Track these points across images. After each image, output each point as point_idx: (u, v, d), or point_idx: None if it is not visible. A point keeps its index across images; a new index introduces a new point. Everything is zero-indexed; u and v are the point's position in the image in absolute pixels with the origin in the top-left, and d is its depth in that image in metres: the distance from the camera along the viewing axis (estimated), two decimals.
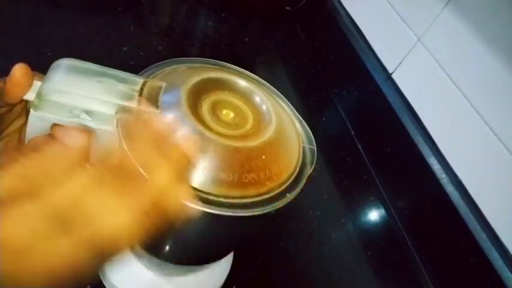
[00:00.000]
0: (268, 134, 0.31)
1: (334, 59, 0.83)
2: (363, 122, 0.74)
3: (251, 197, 0.29)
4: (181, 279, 0.44)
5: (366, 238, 0.60)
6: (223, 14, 0.87)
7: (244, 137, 0.30)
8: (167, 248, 0.36)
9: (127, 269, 0.42)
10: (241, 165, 0.28)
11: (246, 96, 0.34)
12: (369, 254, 0.58)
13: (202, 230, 0.32)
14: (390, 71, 0.68)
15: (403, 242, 0.61)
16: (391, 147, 0.66)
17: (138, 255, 0.42)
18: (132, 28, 0.75)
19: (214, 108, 0.31)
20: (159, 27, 0.79)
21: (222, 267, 0.47)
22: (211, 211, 0.27)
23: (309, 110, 0.77)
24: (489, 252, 0.49)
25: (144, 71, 0.33)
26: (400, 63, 0.66)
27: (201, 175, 0.27)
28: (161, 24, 0.81)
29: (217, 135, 0.29)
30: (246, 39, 0.84)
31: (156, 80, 0.31)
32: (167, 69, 0.34)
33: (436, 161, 0.57)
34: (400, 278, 0.58)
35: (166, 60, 0.35)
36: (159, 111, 0.29)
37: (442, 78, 0.58)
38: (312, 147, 0.36)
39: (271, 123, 0.32)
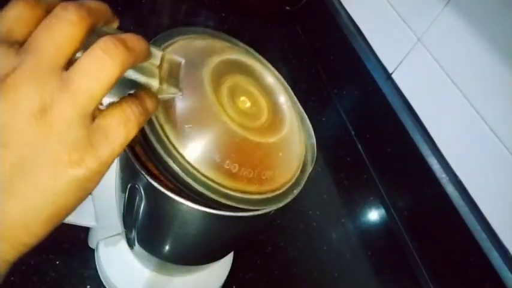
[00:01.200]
0: (284, 129, 0.30)
1: (334, 59, 0.83)
2: (363, 122, 0.74)
3: (266, 192, 0.28)
4: (181, 279, 0.44)
5: (365, 238, 0.60)
6: (223, 14, 0.87)
7: (262, 130, 0.29)
8: (167, 247, 0.36)
9: (127, 268, 0.42)
10: (261, 161, 0.28)
11: (263, 85, 0.32)
12: (369, 254, 0.58)
13: (203, 230, 0.32)
14: (390, 71, 0.68)
15: (403, 242, 0.61)
16: (391, 147, 0.66)
17: (138, 255, 0.42)
18: (132, 28, 0.75)
19: (233, 94, 0.29)
20: (159, 27, 0.79)
21: (222, 267, 0.47)
22: (211, 211, 0.27)
23: (309, 110, 0.77)
24: (489, 252, 0.49)
25: (153, 40, 0.29)
26: (400, 63, 0.66)
27: (222, 169, 0.26)
28: (161, 24, 0.81)
29: (241, 127, 0.27)
30: (246, 39, 0.84)
31: (175, 55, 0.27)
32: (179, 39, 0.31)
33: (436, 161, 0.57)
34: (399, 278, 0.58)
35: (176, 29, 0.32)
36: (181, 93, 0.26)
37: (442, 78, 0.58)
38: (312, 142, 0.35)
39: (286, 117, 0.31)
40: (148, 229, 0.35)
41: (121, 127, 0.20)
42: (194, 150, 0.26)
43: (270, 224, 0.54)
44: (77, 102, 0.18)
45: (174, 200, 0.27)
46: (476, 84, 0.53)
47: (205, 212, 0.27)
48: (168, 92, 0.25)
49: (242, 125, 0.27)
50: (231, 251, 0.46)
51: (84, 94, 0.18)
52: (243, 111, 0.29)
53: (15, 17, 0.18)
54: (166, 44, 0.30)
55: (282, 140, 0.29)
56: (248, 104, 0.29)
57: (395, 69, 0.67)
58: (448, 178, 0.56)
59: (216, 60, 0.29)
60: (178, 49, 0.29)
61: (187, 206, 0.27)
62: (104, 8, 0.21)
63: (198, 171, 0.26)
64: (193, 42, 0.31)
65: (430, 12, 0.60)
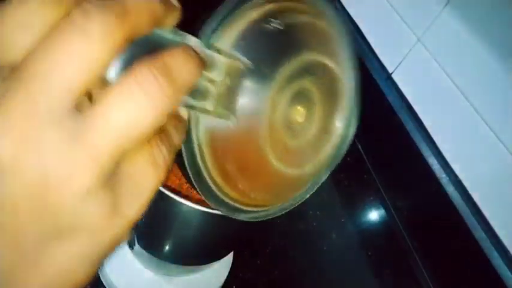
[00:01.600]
0: (326, 151, 0.25)
1: None
2: (363, 122, 0.74)
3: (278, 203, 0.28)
4: (181, 279, 0.44)
5: (365, 238, 0.60)
6: None
7: (301, 153, 0.25)
8: (167, 247, 0.36)
9: (127, 269, 0.42)
10: (289, 190, 0.26)
11: (329, 91, 0.25)
12: (369, 254, 0.58)
13: (202, 230, 0.32)
14: (390, 71, 0.68)
15: (403, 242, 0.61)
16: (391, 147, 0.66)
17: (138, 255, 0.42)
18: None
19: (289, 103, 0.24)
20: None
21: (222, 267, 0.47)
22: (210, 211, 0.27)
23: None
24: (489, 252, 0.49)
25: (206, 28, 0.21)
26: (400, 63, 0.66)
27: (247, 197, 0.25)
28: None
29: (282, 161, 0.24)
30: None
31: (238, 60, 0.19)
32: (240, 14, 0.22)
33: (436, 161, 0.57)
34: (399, 278, 0.58)
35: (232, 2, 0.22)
36: (236, 122, 0.20)
37: (442, 78, 0.58)
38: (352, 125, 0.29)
39: (334, 134, 0.26)
40: (148, 229, 0.35)
41: (150, 172, 0.14)
42: (227, 180, 0.24)
43: (270, 224, 0.54)
44: (98, 165, 0.12)
45: (174, 200, 0.27)
46: (477, 84, 0.53)
47: (205, 211, 0.27)
48: (221, 116, 0.19)
49: (282, 155, 0.24)
50: (231, 250, 0.46)
51: (108, 153, 0.12)
52: (290, 127, 0.24)
53: (22, 19, 0.11)
54: (222, 27, 0.21)
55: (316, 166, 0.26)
56: (301, 118, 0.24)
57: (395, 69, 0.67)
58: (448, 178, 0.56)
59: (287, 69, 0.22)
60: (238, 39, 0.21)
61: (187, 206, 0.27)
62: (153, 4, 0.13)
63: (223, 193, 0.25)
64: (259, 26, 0.22)
65: (430, 12, 0.60)
